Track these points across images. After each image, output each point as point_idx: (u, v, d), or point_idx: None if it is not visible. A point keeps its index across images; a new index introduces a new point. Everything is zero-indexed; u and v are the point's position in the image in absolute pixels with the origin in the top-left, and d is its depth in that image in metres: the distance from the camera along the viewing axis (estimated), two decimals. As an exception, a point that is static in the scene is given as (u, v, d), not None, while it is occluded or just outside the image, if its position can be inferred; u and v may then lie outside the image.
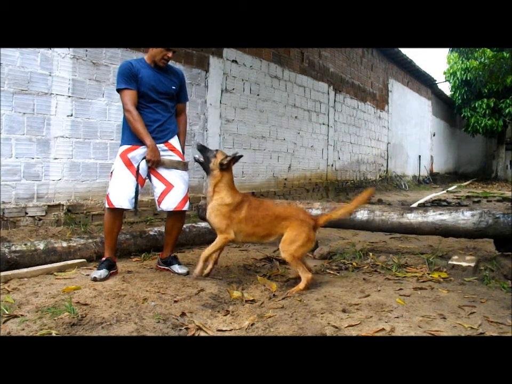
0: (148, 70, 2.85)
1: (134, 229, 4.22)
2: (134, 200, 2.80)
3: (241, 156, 2.86)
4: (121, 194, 2.79)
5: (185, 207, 2.94)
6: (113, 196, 2.79)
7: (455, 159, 21.79)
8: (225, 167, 2.76)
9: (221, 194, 2.73)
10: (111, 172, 2.87)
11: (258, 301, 2.45)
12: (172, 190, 2.89)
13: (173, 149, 2.97)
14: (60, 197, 4.31)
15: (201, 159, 2.83)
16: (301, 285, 2.61)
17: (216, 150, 2.90)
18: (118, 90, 2.83)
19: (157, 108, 2.89)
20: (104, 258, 2.84)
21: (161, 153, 2.88)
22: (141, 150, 2.84)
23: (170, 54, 2.84)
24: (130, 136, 2.85)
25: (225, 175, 2.77)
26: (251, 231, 2.73)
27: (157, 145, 2.85)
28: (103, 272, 2.71)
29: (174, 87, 2.96)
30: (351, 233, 4.63)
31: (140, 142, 2.82)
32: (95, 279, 2.65)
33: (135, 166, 2.82)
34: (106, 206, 2.85)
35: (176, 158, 2.97)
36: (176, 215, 2.99)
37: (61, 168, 4.32)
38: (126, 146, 2.85)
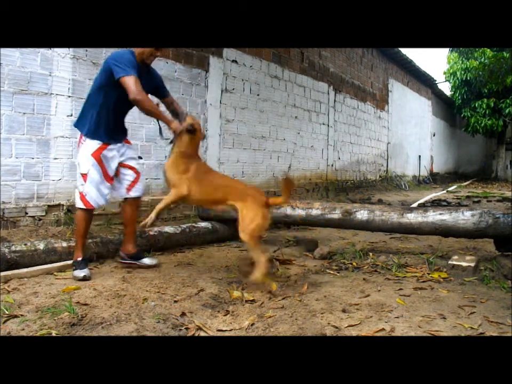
0: (139, 70, 2.80)
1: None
2: (107, 196, 2.92)
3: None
4: (98, 194, 2.85)
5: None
6: (90, 196, 2.82)
7: (455, 159, 21.78)
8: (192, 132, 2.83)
9: (176, 148, 2.84)
10: (85, 173, 2.81)
11: (258, 301, 2.44)
12: (140, 178, 3.05)
13: (129, 143, 3.09)
14: (59, 197, 4.31)
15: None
16: (258, 270, 2.57)
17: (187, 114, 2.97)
18: (122, 77, 2.66)
19: (130, 107, 2.95)
20: (80, 259, 2.81)
21: (123, 150, 2.97)
22: (112, 149, 2.88)
23: (159, 53, 2.88)
24: (104, 132, 2.82)
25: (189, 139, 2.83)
26: (200, 191, 2.80)
27: (119, 143, 2.94)
28: (87, 271, 2.75)
29: (157, 86, 3.00)
30: (351, 233, 4.63)
31: (111, 139, 2.87)
32: (85, 278, 2.67)
33: (106, 165, 2.86)
34: (82, 206, 2.84)
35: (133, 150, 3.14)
36: (136, 202, 3.08)
37: (61, 168, 4.32)
38: (97, 143, 2.81)
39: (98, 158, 2.82)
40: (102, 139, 2.82)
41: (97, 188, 2.84)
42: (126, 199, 3.04)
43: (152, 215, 2.82)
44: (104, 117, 2.82)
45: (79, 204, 2.85)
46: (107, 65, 2.75)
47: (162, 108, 2.98)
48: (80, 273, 2.71)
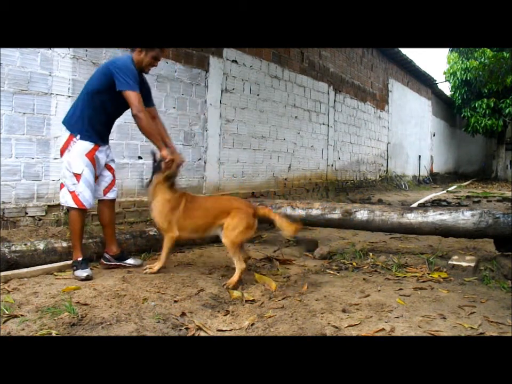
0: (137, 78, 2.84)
1: (134, 229, 4.22)
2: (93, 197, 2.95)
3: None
4: (90, 194, 2.86)
5: None
6: (83, 196, 2.82)
7: (455, 159, 21.78)
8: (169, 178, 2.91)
9: (160, 192, 2.89)
10: (79, 173, 2.80)
11: (258, 301, 2.45)
12: (116, 181, 3.10)
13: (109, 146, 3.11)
14: (60, 197, 4.30)
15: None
16: (235, 276, 2.71)
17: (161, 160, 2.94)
18: (126, 91, 2.71)
19: (122, 113, 3.01)
20: (81, 259, 2.81)
21: (108, 151, 3.01)
22: (101, 150, 2.91)
23: (157, 64, 2.94)
24: (96, 134, 2.85)
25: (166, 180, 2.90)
26: (191, 225, 2.89)
27: (106, 145, 2.99)
28: (89, 271, 2.77)
29: (147, 94, 3.01)
30: (351, 233, 4.63)
31: (102, 141, 2.90)
32: (87, 278, 2.69)
33: (96, 166, 2.89)
34: (75, 206, 2.83)
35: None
36: (113, 203, 3.11)
37: (61, 168, 4.31)
38: (90, 144, 2.82)
39: (92, 158, 2.84)
40: (94, 140, 2.84)
41: (90, 188, 2.86)
42: (102, 200, 3.05)
43: (159, 265, 2.91)
44: (98, 120, 2.84)
45: (72, 204, 2.84)
46: (108, 71, 2.74)
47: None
48: (83, 273, 2.71)
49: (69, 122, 2.88)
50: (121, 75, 2.70)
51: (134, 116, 2.75)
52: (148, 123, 2.79)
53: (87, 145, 2.82)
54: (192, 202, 2.94)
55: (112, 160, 3.08)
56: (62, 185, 2.94)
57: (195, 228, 2.92)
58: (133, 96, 2.71)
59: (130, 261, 3.08)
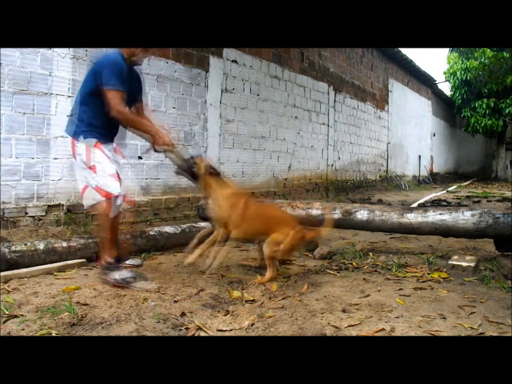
0: (127, 74, 2.74)
1: (134, 229, 4.22)
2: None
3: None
4: (115, 181, 2.70)
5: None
6: (109, 184, 2.67)
7: (455, 159, 21.78)
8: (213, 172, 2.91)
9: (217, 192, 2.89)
10: (92, 165, 2.69)
11: (258, 301, 2.44)
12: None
13: (116, 151, 2.98)
14: (59, 197, 4.31)
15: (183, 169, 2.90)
16: (267, 276, 2.78)
17: (192, 157, 2.94)
18: (109, 88, 2.61)
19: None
20: (115, 257, 2.67)
21: (112, 152, 2.85)
22: (107, 148, 2.80)
23: (149, 53, 2.91)
24: (97, 132, 2.75)
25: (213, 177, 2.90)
26: (247, 229, 2.90)
27: (111, 143, 2.86)
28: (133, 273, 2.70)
29: (137, 90, 2.92)
30: (351, 233, 4.63)
31: (104, 139, 2.78)
32: (130, 281, 2.56)
33: (108, 156, 2.77)
34: (101, 198, 2.66)
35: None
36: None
37: (61, 168, 4.32)
38: (93, 140, 2.73)
39: (101, 148, 2.73)
40: (96, 137, 2.74)
41: (112, 177, 2.70)
42: None
43: (211, 261, 2.94)
44: (96, 121, 2.75)
45: (98, 197, 2.68)
46: (96, 71, 2.66)
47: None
48: (123, 275, 2.59)
49: (69, 129, 2.82)
50: (104, 73, 2.60)
51: (113, 117, 2.65)
52: (129, 117, 2.71)
53: (91, 141, 2.72)
54: (250, 206, 2.97)
55: (117, 162, 2.93)
56: (83, 190, 2.80)
57: (248, 233, 2.96)
58: (111, 94, 2.59)
59: (129, 262, 3.06)
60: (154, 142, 2.78)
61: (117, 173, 2.76)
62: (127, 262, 3.05)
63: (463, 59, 16.88)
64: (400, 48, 11.96)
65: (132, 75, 2.86)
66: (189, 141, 5.75)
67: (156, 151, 2.86)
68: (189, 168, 2.87)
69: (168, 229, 3.77)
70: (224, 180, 3.01)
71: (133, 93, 2.86)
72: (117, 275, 2.57)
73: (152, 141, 2.79)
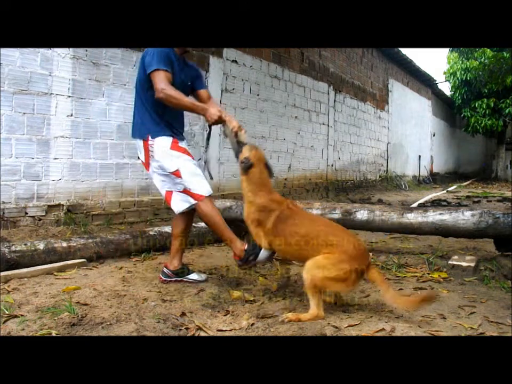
0: (179, 63, 2.63)
1: (134, 229, 4.22)
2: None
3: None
4: (202, 180, 2.59)
5: None
6: (199, 186, 2.55)
7: (455, 159, 21.78)
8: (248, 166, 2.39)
9: (248, 195, 2.40)
10: (175, 170, 2.53)
11: (258, 301, 2.44)
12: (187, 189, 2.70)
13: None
14: (60, 197, 4.31)
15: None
16: (306, 315, 2.06)
17: (243, 143, 2.50)
18: (152, 69, 2.45)
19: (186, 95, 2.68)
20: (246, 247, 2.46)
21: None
22: (183, 143, 2.69)
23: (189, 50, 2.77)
24: (166, 127, 2.60)
25: (251, 173, 2.39)
26: (284, 247, 2.26)
27: (185, 140, 2.72)
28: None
29: (189, 83, 2.74)
30: (351, 233, 4.62)
31: (176, 135, 2.64)
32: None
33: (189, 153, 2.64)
34: (194, 202, 2.55)
35: None
36: (188, 215, 2.80)
37: (61, 168, 4.32)
38: (169, 138, 2.58)
39: (179, 147, 2.60)
40: (168, 134, 2.59)
41: (198, 176, 2.58)
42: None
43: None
44: (159, 114, 2.59)
45: (192, 201, 2.56)
46: (143, 58, 2.56)
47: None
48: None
49: (135, 132, 2.69)
50: (147, 58, 2.50)
51: (158, 99, 2.46)
52: (173, 93, 2.43)
53: (166, 140, 2.57)
54: (285, 222, 2.28)
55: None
56: (168, 195, 2.65)
57: (288, 252, 2.32)
58: (154, 75, 2.44)
59: (193, 276, 2.74)
60: (206, 119, 2.54)
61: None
62: (190, 276, 2.74)
63: (463, 59, 16.88)
64: (400, 48, 11.97)
65: (185, 64, 2.73)
66: (189, 141, 5.75)
67: (209, 126, 2.64)
68: (236, 154, 2.50)
69: (168, 229, 3.76)
70: (270, 181, 2.47)
71: (188, 80, 2.71)
72: (262, 256, 2.39)
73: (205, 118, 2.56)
